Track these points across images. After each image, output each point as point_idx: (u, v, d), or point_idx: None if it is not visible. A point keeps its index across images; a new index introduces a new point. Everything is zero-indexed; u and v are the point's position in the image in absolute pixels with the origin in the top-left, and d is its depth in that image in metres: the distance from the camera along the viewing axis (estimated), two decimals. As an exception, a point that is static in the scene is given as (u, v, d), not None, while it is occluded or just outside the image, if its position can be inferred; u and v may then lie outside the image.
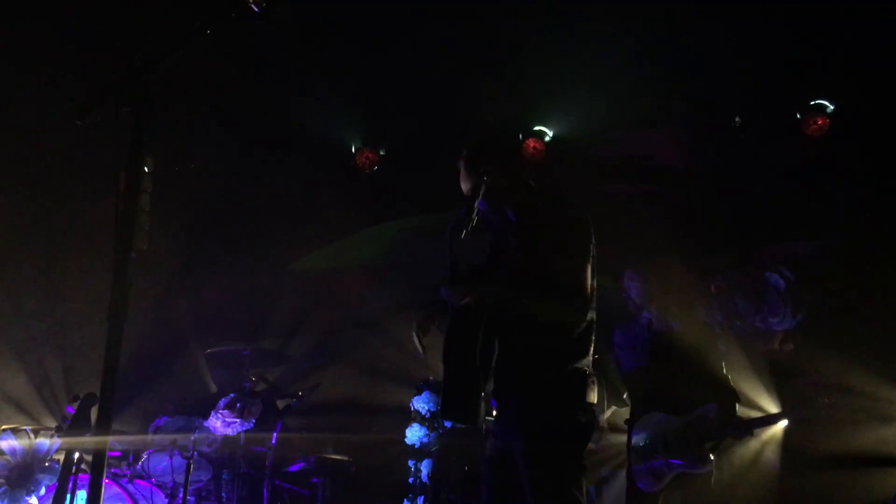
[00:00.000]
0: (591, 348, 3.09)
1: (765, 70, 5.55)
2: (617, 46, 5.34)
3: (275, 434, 5.36)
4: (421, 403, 5.73)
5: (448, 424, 5.59)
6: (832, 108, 5.84)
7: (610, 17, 5.19)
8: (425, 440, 5.67)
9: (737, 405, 4.48)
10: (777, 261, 5.81)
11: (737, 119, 5.88)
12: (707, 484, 4.30)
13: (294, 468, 5.59)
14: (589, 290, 2.98)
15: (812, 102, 5.85)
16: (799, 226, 5.87)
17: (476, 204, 3.09)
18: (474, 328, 2.92)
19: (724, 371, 4.54)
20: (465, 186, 3.25)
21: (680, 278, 4.78)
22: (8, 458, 4.63)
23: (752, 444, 5.12)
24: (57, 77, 5.00)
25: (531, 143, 6.38)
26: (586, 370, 3.03)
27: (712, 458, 4.28)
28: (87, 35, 4.85)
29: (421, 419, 5.72)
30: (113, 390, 1.78)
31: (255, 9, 2.03)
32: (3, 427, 4.98)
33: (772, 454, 5.27)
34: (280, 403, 5.64)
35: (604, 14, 5.19)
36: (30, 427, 4.97)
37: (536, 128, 6.38)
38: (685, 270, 4.90)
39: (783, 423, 4.96)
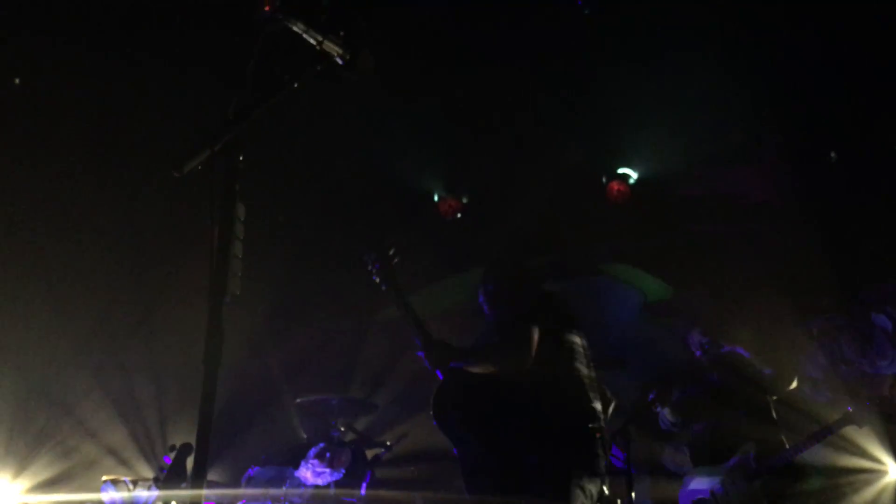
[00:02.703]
0: (589, 406, 3.42)
1: (860, 100, 5.35)
2: (702, 81, 5.24)
3: (364, 484, 5.34)
4: (510, 453, 5.61)
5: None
6: (935, 138, 5.57)
7: (693, 50, 5.11)
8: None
9: (781, 436, 4.62)
10: (883, 300, 5.52)
11: (832, 154, 5.68)
12: None
13: (384, 519, 5.54)
14: (531, 345, 3.40)
15: (913, 133, 5.61)
16: (904, 263, 5.59)
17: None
18: (454, 390, 3.53)
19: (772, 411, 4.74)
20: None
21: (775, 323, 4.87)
22: (108, 508, 4.75)
23: (866, 495, 4.87)
24: (151, 132, 5.21)
25: (615, 186, 6.29)
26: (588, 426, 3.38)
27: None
28: (180, 90, 5.05)
29: (511, 469, 5.60)
30: (208, 439, 1.77)
31: (340, 61, 2.07)
32: (104, 478, 5.11)
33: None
34: (369, 453, 5.62)
35: (687, 48, 5.11)
36: (129, 478, 5.09)
37: (620, 170, 6.28)
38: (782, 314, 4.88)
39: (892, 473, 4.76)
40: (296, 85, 2.03)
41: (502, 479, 3.33)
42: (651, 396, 4.80)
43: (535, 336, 3.44)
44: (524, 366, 3.39)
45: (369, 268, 3.69)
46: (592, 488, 3.30)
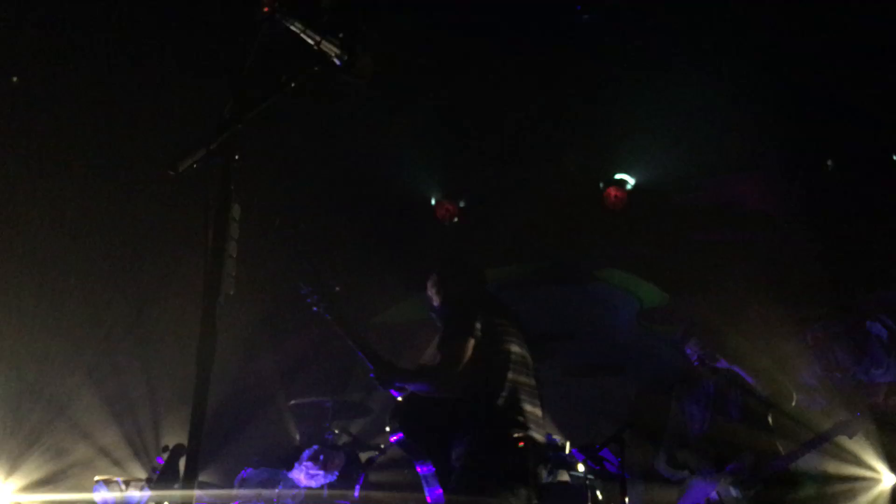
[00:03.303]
0: (511, 413, 3.49)
1: (857, 110, 5.36)
2: (699, 88, 5.24)
3: (357, 487, 5.33)
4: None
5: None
6: (930, 147, 5.59)
7: (691, 57, 5.12)
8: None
9: (777, 444, 4.67)
10: (878, 308, 5.52)
11: (828, 163, 5.69)
12: None
13: (376, 523, 5.52)
14: (460, 362, 3.49)
15: (909, 143, 5.62)
16: (900, 271, 5.60)
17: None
18: (405, 408, 3.71)
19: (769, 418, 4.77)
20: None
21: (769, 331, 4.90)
22: (100, 508, 4.73)
23: (860, 503, 4.88)
24: (148, 131, 5.21)
25: (612, 192, 6.28)
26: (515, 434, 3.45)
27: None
28: (178, 90, 5.05)
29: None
30: (200, 440, 1.77)
31: (338, 62, 2.07)
32: (96, 478, 5.10)
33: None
34: (362, 456, 5.61)
35: (685, 55, 5.12)
36: (121, 478, 5.07)
37: (617, 176, 6.28)
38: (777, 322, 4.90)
39: (891, 481, 4.74)
40: (293, 85, 2.03)
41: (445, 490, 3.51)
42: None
43: (467, 350, 3.53)
44: (451, 386, 3.51)
45: (308, 300, 3.80)
46: (515, 498, 3.36)
